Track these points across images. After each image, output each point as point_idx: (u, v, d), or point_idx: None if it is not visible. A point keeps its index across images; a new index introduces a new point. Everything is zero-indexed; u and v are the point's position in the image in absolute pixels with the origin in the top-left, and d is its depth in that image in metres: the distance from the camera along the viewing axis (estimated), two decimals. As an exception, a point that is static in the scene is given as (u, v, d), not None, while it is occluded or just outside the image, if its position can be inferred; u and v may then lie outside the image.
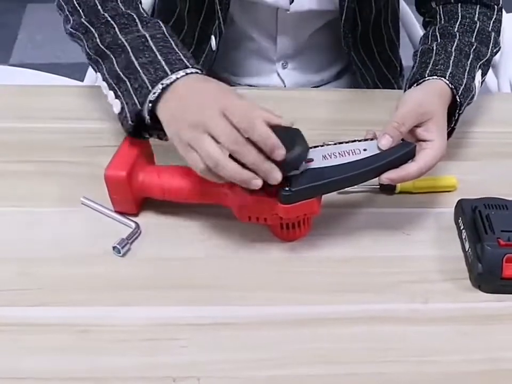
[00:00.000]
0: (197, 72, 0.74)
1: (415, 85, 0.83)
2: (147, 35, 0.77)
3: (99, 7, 0.82)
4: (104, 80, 0.78)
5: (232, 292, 0.73)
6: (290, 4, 0.97)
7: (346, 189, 0.82)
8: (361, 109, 0.99)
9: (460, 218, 0.79)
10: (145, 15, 0.82)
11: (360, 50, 1.08)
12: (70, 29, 0.84)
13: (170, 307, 0.71)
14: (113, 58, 0.77)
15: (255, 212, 0.74)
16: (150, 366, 0.66)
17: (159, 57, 0.75)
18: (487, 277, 0.73)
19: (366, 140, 0.76)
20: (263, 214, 0.74)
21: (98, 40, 0.80)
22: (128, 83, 0.75)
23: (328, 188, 0.74)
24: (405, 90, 0.85)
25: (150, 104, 0.72)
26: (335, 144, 0.75)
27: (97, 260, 0.75)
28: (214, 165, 0.67)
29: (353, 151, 0.75)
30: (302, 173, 0.71)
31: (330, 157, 0.74)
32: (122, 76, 0.76)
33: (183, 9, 1.03)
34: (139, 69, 0.74)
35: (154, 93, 0.72)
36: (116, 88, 0.76)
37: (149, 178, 0.77)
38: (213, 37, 1.00)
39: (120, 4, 0.82)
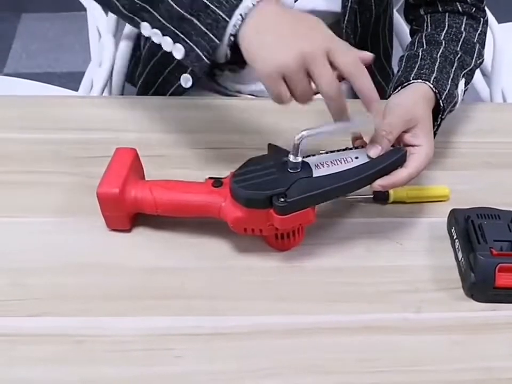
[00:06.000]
0: None
1: (399, 88, 0.84)
2: None
3: None
4: (155, 28, 0.74)
5: (226, 302, 0.73)
6: (295, 1, 0.96)
7: (340, 198, 0.82)
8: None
9: (453, 227, 0.80)
10: None
11: None
12: None
13: (165, 317, 0.71)
14: (170, 0, 0.73)
15: (250, 223, 0.74)
16: (144, 376, 0.66)
17: None
18: (480, 287, 0.73)
19: (356, 147, 0.77)
20: (258, 226, 0.74)
21: None
22: (196, 21, 0.71)
23: (323, 197, 0.74)
24: (389, 94, 0.86)
25: (232, 38, 0.69)
26: (326, 152, 0.76)
27: (90, 270, 0.75)
28: (305, 102, 0.69)
29: (345, 159, 0.75)
30: (296, 183, 0.72)
31: (323, 166, 0.74)
32: (187, 15, 0.72)
33: None
34: (208, 3, 0.70)
35: (235, 25, 0.69)
36: (178, 31, 0.73)
37: (141, 194, 0.76)
38: None
39: None
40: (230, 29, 0.69)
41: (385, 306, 0.73)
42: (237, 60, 0.72)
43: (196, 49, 0.72)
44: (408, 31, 1.26)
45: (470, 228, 0.76)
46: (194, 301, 0.73)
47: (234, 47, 0.71)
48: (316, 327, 0.71)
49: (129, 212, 0.78)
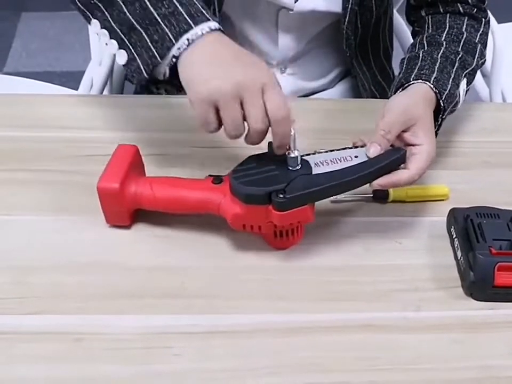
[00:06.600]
0: (219, 29, 0.72)
1: (400, 89, 0.85)
2: None
3: None
4: (105, 28, 0.75)
5: (225, 301, 0.73)
6: (295, 2, 0.97)
7: (339, 197, 0.83)
8: (351, 118, 0.99)
9: (452, 227, 0.80)
10: None
11: (358, 56, 1.09)
12: None
13: (164, 316, 0.71)
14: (123, 6, 0.73)
15: (249, 220, 0.74)
16: (143, 375, 0.66)
17: (180, 8, 0.71)
18: (479, 285, 0.73)
19: (356, 147, 0.77)
20: (257, 222, 0.74)
21: None
22: (144, 34, 0.72)
23: (322, 194, 0.74)
24: (390, 96, 0.86)
25: (174, 59, 0.71)
26: (326, 151, 0.76)
27: (90, 269, 0.75)
28: (234, 133, 0.69)
29: (344, 158, 0.75)
30: (296, 180, 0.72)
31: (323, 164, 0.74)
32: (137, 25, 0.72)
33: None
34: (159, 20, 0.71)
35: (179, 48, 0.70)
36: (125, 38, 0.73)
37: (141, 190, 0.77)
38: None
39: None
40: (173, 51, 0.70)
41: (385, 305, 0.73)
42: (174, 82, 0.73)
43: (138, 60, 0.73)
44: (408, 31, 1.27)
45: (469, 227, 0.76)
46: (193, 299, 0.73)
47: (174, 68, 0.72)
48: (315, 326, 0.71)
49: (129, 207, 0.78)
